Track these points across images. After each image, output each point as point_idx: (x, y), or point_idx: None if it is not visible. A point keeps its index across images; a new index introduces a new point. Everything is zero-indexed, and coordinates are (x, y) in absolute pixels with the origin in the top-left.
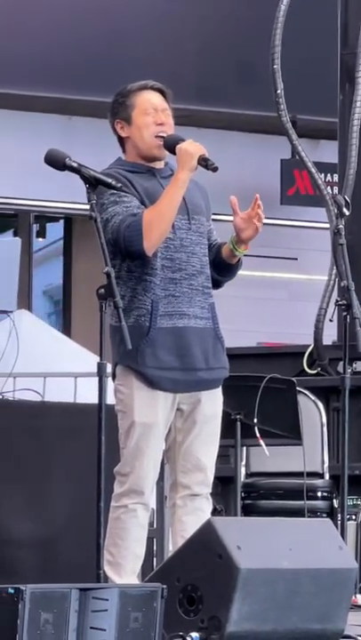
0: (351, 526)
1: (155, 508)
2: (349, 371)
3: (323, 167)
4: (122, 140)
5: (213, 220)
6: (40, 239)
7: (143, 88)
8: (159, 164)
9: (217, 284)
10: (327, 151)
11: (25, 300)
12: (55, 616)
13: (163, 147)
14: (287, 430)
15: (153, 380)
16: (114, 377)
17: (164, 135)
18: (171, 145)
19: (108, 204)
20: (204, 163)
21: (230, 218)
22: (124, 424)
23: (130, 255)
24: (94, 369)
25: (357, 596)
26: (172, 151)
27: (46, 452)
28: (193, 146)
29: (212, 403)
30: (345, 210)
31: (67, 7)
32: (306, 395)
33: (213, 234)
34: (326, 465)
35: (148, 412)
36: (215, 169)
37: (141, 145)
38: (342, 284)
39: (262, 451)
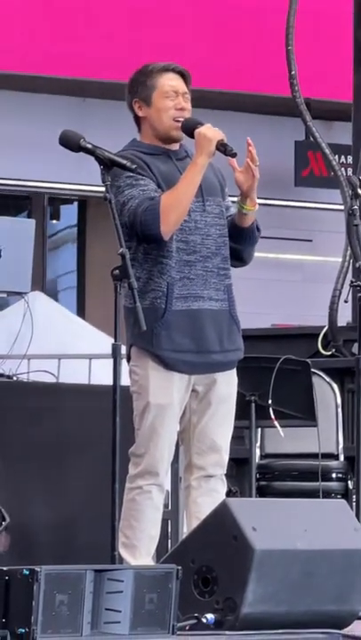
0: None
1: (169, 490)
2: None
3: (337, 148)
4: (138, 120)
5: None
6: (54, 221)
7: (165, 70)
8: (175, 146)
9: (240, 258)
10: (341, 132)
11: (39, 282)
12: (70, 597)
13: (180, 130)
14: (302, 411)
15: (168, 362)
16: (128, 358)
17: (182, 119)
18: (189, 128)
19: (124, 186)
20: (222, 148)
21: None
22: (138, 405)
23: (146, 239)
24: (109, 350)
25: None
26: (190, 134)
27: (61, 433)
28: (211, 131)
29: (227, 384)
30: (359, 191)
31: None
32: (320, 376)
33: (231, 210)
34: (341, 446)
35: (163, 394)
36: (234, 154)
37: (159, 127)
38: (357, 265)
39: (277, 432)
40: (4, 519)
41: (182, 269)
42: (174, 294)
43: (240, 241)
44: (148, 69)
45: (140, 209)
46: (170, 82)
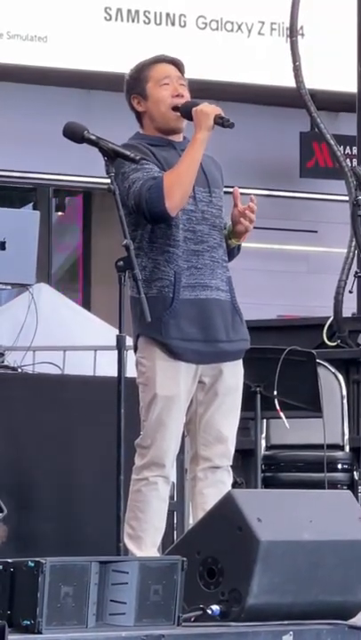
0: None
1: (175, 481)
2: None
3: (342, 139)
4: (139, 115)
5: (230, 192)
6: (59, 213)
7: (156, 61)
8: (178, 137)
9: None
10: (346, 123)
11: (44, 274)
12: (75, 589)
13: (180, 116)
14: (307, 402)
15: (176, 351)
16: (135, 349)
17: (179, 105)
18: (187, 111)
19: (129, 171)
20: (220, 121)
21: (247, 191)
22: (145, 397)
23: (153, 217)
24: (114, 342)
25: None
26: (190, 117)
27: (66, 425)
28: (208, 107)
29: (234, 375)
30: None
31: None
32: (326, 367)
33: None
34: (346, 437)
35: (170, 385)
36: (232, 125)
37: (159, 117)
38: None
39: (282, 423)
40: (1, 510)
41: (190, 259)
42: (182, 283)
43: None
44: (140, 64)
45: (143, 188)
46: (163, 70)
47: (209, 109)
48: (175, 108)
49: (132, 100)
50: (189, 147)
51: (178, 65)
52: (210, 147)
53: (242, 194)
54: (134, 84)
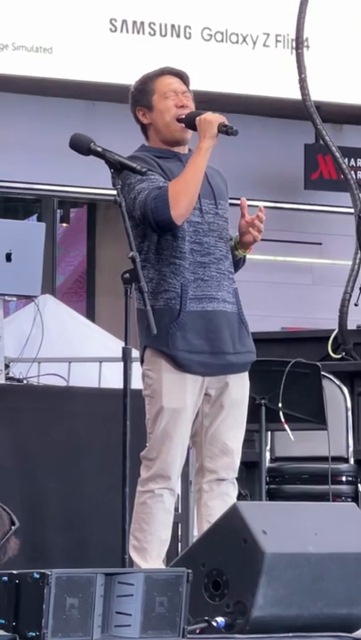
0: None
1: (180, 493)
2: None
3: (347, 151)
4: (144, 128)
5: (235, 204)
6: (64, 224)
7: (161, 74)
8: (183, 149)
9: None
10: (351, 135)
11: (49, 285)
12: (81, 601)
13: (185, 127)
14: (312, 415)
15: (183, 363)
16: (142, 361)
17: (184, 116)
18: (191, 121)
19: (134, 182)
20: (224, 129)
21: (251, 203)
22: (151, 409)
23: (159, 226)
24: (119, 354)
25: None
26: (194, 127)
27: (72, 436)
28: (212, 115)
29: (240, 387)
30: None
31: None
32: (330, 379)
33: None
34: (351, 449)
35: (177, 397)
36: (236, 132)
37: (164, 129)
38: None
39: (287, 435)
40: (13, 524)
41: (196, 270)
42: (189, 295)
43: None
44: (145, 77)
45: (149, 197)
46: (168, 83)
47: (213, 118)
48: (180, 120)
49: (138, 112)
50: (194, 155)
51: (183, 77)
52: (215, 159)
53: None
54: (139, 97)
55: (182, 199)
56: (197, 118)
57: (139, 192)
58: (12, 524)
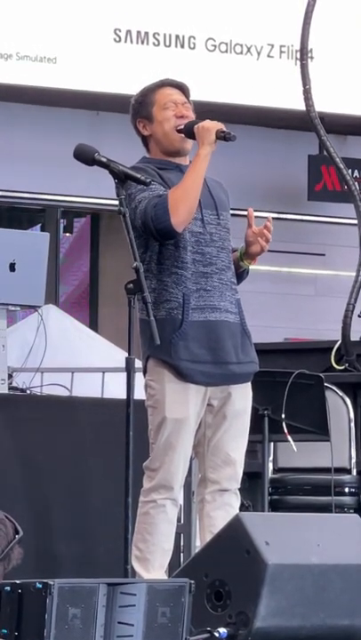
0: None
1: (182, 504)
2: None
3: (350, 162)
4: (145, 139)
5: (240, 215)
6: (67, 234)
7: (161, 85)
8: (184, 160)
9: None
10: (355, 147)
11: (52, 295)
12: (83, 611)
13: (184, 137)
14: (315, 426)
15: (186, 372)
16: (145, 372)
17: (182, 126)
18: (190, 130)
19: (135, 192)
20: (222, 135)
21: (256, 214)
22: (154, 420)
23: (160, 234)
24: (122, 364)
25: None
26: (193, 136)
27: (74, 446)
28: (210, 122)
29: (242, 398)
30: None
31: (99, 2)
32: (333, 390)
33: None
34: (354, 461)
35: (180, 408)
36: (234, 137)
37: (164, 140)
38: None
39: (290, 446)
40: (17, 532)
41: (199, 281)
42: (191, 305)
43: None
44: (145, 89)
45: (149, 206)
46: (168, 94)
47: (210, 125)
48: (179, 130)
49: (138, 123)
50: (193, 162)
51: (183, 89)
52: (218, 170)
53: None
54: (140, 108)
55: (182, 206)
56: (195, 126)
57: (139, 201)
58: (16, 532)
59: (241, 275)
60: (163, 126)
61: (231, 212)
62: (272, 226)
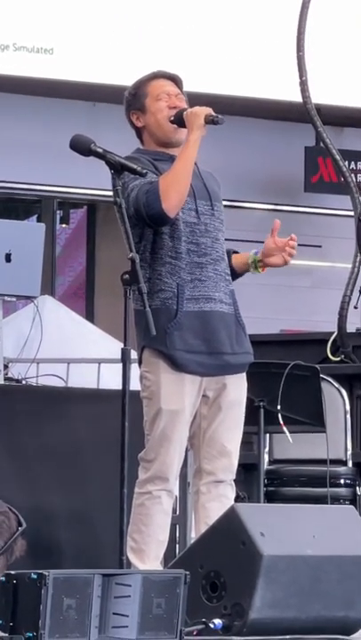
0: None
1: (177, 495)
2: None
3: (347, 154)
4: (139, 131)
5: (235, 206)
6: (63, 225)
7: (154, 77)
8: (178, 151)
9: None
10: (352, 138)
11: (48, 286)
12: (78, 602)
13: (178, 127)
14: (310, 417)
15: (181, 362)
16: (140, 363)
17: (174, 117)
18: (181, 118)
19: (128, 181)
20: (210, 118)
21: (253, 205)
22: (150, 411)
23: (152, 220)
24: (118, 355)
25: None
26: (184, 124)
27: (70, 437)
28: (199, 107)
29: (238, 388)
30: None
31: None
32: (329, 382)
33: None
34: (349, 452)
35: (175, 399)
36: (222, 121)
37: (157, 131)
38: None
39: (285, 438)
40: (20, 525)
41: (193, 271)
42: (185, 295)
43: None
44: (138, 81)
45: (140, 193)
46: (160, 85)
47: (199, 110)
48: (172, 121)
49: (132, 115)
50: (183, 148)
51: (176, 80)
52: (214, 160)
53: (246, 208)
54: (133, 101)
55: (173, 191)
56: (185, 113)
57: (132, 189)
58: (20, 525)
59: (236, 275)
60: (156, 117)
61: (227, 203)
62: (279, 225)
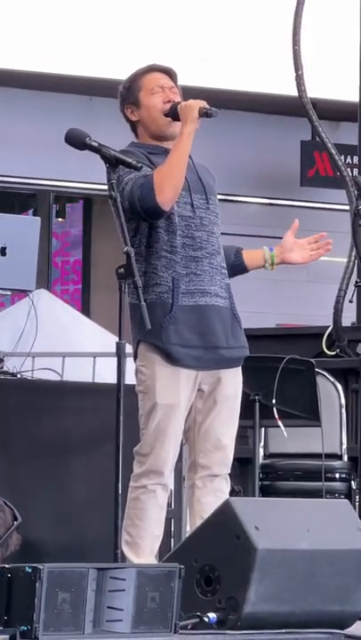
0: None
1: (172, 489)
2: None
3: (343, 149)
4: (133, 125)
5: (231, 200)
6: (59, 219)
7: (148, 70)
8: (172, 145)
9: None
10: (347, 133)
11: (44, 280)
12: (73, 595)
13: (172, 121)
14: (306, 411)
15: (177, 356)
16: (135, 357)
17: (168, 110)
18: (175, 112)
19: (123, 174)
20: (204, 111)
21: (249, 199)
22: (145, 405)
23: (147, 213)
24: (113, 349)
25: None
26: (178, 117)
27: (65, 431)
28: (192, 100)
29: (233, 382)
30: None
31: None
32: (325, 376)
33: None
34: (345, 446)
35: (171, 394)
36: (215, 113)
37: (151, 125)
38: None
39: (281, 432)
40: (15, 519)
41: (189, 265)
42: (181, 289)
43: (231, 275)
44: (132, 75)
45: (135, 186)
46: (154, 79)
47: (193, 102)
48: (166, 114)
49: (126, 109)
50: (177, 141)
51: (170, 73)
52: (211, 155)
53: (241, 202)
54: (127, 94)
55: (167, 184)
56: (178, 106)
57: (126, 183)
58: (15, 519)
59: (241, 271)
60: (150, 112)
61: (223, 197)
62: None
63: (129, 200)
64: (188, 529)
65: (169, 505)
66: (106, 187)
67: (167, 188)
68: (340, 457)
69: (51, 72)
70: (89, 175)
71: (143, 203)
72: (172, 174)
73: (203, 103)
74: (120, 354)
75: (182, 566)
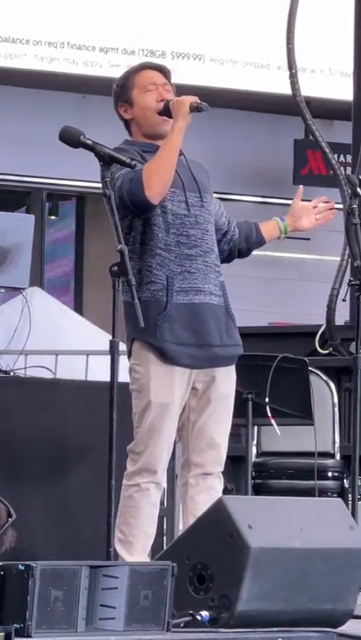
0: None
1: (165, 487)
2: None
3: (336, 147)
4: (127, 123)
5: (225, 199)
6: (52, 217)
7: (141, 68)
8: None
9: (239, 257)
10: (341, 131)
11: (37, 278)
12: (65, 593)
13: (165, 119)
14: (299, 410)
15: (171, 355)
16: (129, 355)
17: (162, 108)
18: (167, 109)
19: (115, 171)
20: (195, 105)
21: (242, 197)
22: (139, 404)
23: (136, 207)
24: (106, 347)
25: None
26: (171, 114)
27: (57, 429)
28: (184, 96)
29: (227, 381)
30: (359, 190)
31: None
32: (318, 375)
33: (225, 213)
34: (337, 445)
35: (165, 392)
36: (206, 107)
37: (145, 123)
38: (355, 264)
39: (274, 430)
40: (10, 516)
41: (183, 263)
42: (175, 287)
43: (252, 245)
44: (126, 73)
45: (125, 181)
46: (148, 76)
47: (184, 98)
48: (160, 112)
49: (119, 108)
50: (168, 136)
51: (163, 71)
52: (204, 153)
53: (235, 200)
54: (120, 92)
55: (156, 178)
56: (170, 102)
57: (117, 179)
58: (10, 516)
59: (258, 242)
60: (143, 110)
61: (217, 195)
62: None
63: (119, 194)
64: (181, 527)
65: (162, 503)
66: (99, 184)
67: (156, 182)
68: (332, 455)
69: (44, 70)
70: (82, 173)
71: (132, 196)
72: (162, 168)
73: (194, 98)
74: (114, 352)
75: (175, 564)
